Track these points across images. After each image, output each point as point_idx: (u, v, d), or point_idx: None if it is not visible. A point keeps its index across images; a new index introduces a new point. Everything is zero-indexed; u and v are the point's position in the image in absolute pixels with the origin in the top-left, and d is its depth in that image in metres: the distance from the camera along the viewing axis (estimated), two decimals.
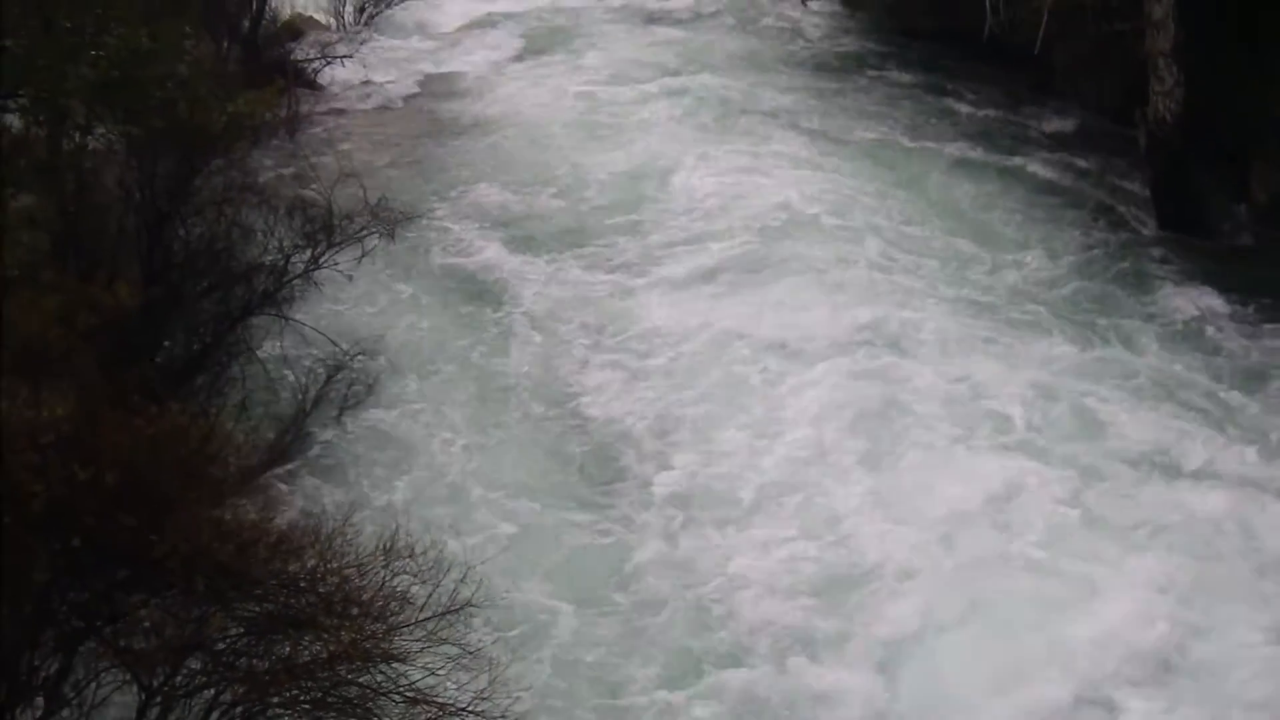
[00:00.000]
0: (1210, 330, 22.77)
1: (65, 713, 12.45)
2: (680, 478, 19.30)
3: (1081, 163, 28.81)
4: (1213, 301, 23.54)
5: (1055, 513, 18.34)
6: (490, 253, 25.43)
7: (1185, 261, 24.72)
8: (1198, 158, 25.63)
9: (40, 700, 12.32)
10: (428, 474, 19.43)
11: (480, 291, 24.22)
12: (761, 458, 19.57)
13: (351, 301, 22.71)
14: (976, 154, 29.26)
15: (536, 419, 20.79)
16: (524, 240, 25.95)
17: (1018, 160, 29.02)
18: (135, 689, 12.54)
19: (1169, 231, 25.69)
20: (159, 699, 12.51)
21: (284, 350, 20.20)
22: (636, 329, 22.79)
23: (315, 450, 19.33)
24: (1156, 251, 25.14)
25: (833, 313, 22.84)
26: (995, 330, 22.68)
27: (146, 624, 12.46)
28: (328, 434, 19.57)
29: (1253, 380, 21.46)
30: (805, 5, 38.74)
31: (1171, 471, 19.33)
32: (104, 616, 12.43)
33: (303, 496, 18.05)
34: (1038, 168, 28.57)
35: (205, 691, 12.56)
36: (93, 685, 12.57)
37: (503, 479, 19.41)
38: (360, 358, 20.33)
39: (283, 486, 18.12)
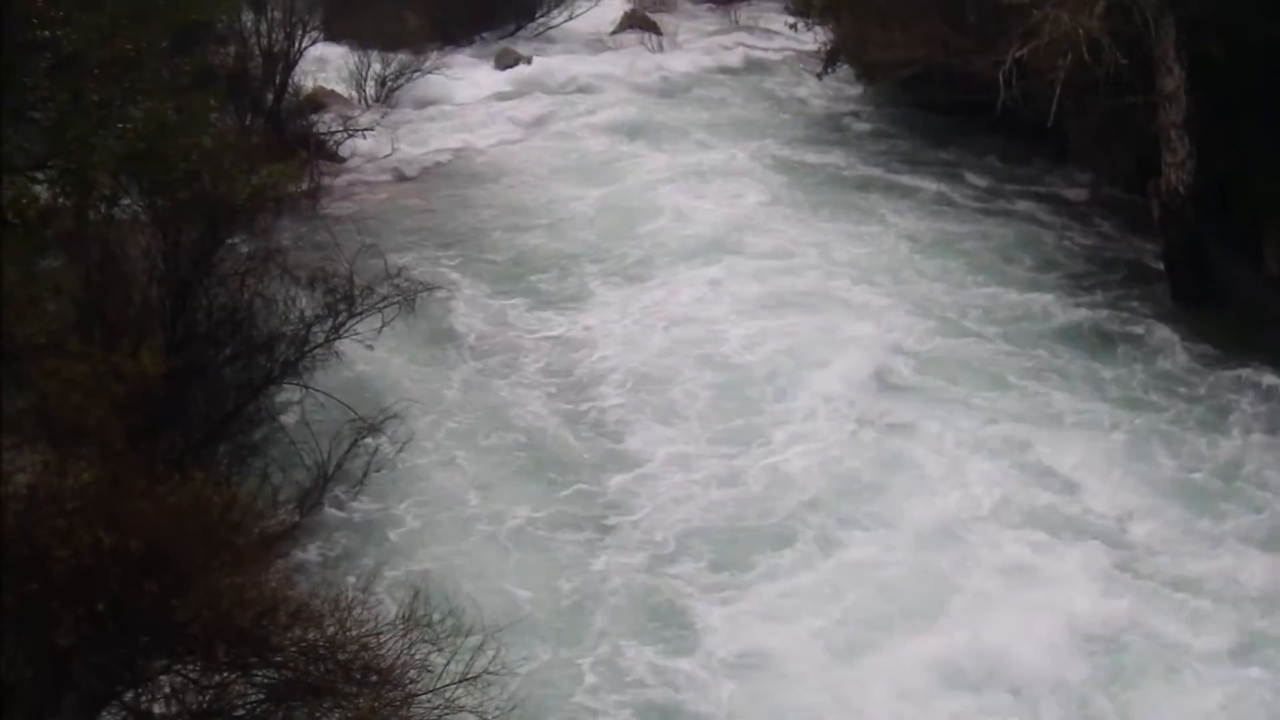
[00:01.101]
0: (1227, 402, 23.01)
1: None
2: None
3: (1096, 234, 29.04)
4: (1224, 369, 23.81)
5: None
6: (508, 316, 26.05)
7: (1200, 332, 24.89)
8: (1210, 229, 25.77)
9: None
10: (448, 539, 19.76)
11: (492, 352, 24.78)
12: None
13: (374, 363, 23.21)
14: (991, 225, 29.56)
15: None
16: (539, 301, 26.53)
17: (1033, 231, 29.29)
18: None
19: (1183, 303, 25.80)
20: None
21: (305, 418, 20.33)
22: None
23: (335, 518, 19.52)
24: (1171, 323, 25.26)
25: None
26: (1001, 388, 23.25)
27: (167, 690, 12.60)
28: (349, 501, 19.77)
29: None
30: (820, 79, 39.01)
31: None
32: (125, 681, 12.55)
33: (323, 564, 18.21)
34: (1053, 239, 28.78)
35: None
36: None
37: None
38: (382, 423, 20.49)
39: (303, 554, 18.27)
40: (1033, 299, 26.37)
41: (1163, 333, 24.86)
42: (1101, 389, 23.41)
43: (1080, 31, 25.02)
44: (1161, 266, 26.72)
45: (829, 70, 38.65)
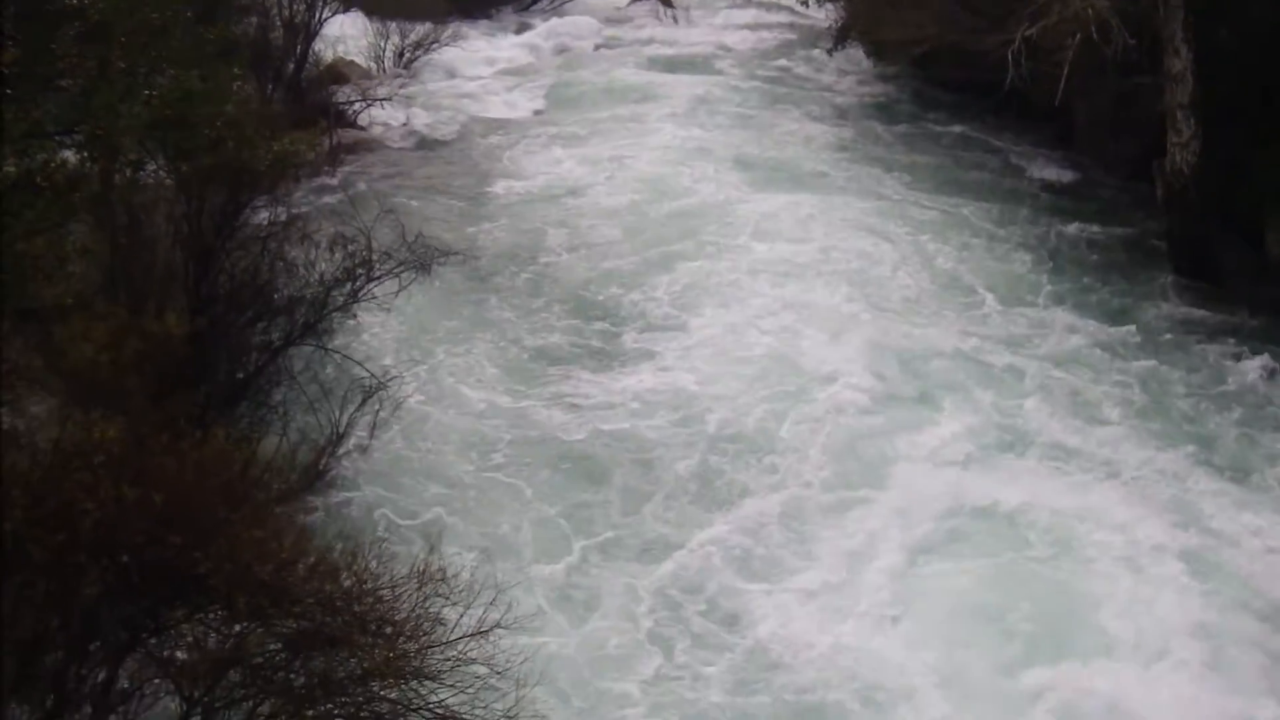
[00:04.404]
0: (1225, 371, 23.54)
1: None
2: None
3: (1100, 213, 29.32)
4: (1216, 343, 24.33)
5: None
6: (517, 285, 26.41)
7: (1197, 309, 25.34)
8: (1213, 209, 26.08)
9: (88, 709, 12.80)
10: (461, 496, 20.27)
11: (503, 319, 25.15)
12: None
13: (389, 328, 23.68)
14: (996, 202, 29.84)
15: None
16: (551, 276, 26.84)
17: (1037, 207, 29.64)
18: (177, 699, 13.05)
19: (1184, 278, 26.16)
20: (199, 710, 13.01)
21: (323, 378, 20.72)
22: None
23: (352, 473, 19.97)
24: (1170, 299, 25.73)
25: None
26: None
27: (189, 638, 13.01)
28: (364, 457, 20.26)
29: None
30: (830, 55, 39.16)
31: None
32: (149, 630, 12.95)
33: (340, 519, 18.62)
34: (1059, 218, 29.04)
35: (243, 704, 13.06)
36: (137, 695, 13.07)
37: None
38: (393, 383, 20.93)
39: (321, 509, 18.70)
40: (1033, 272, 26.91)
41: (1160, 308, 25.36)
42: (1094, 354, 24.02)
43: (1089, 11, 25.32)
44: (1164, 246, 27.08)
45: (839, 47, 38.82)
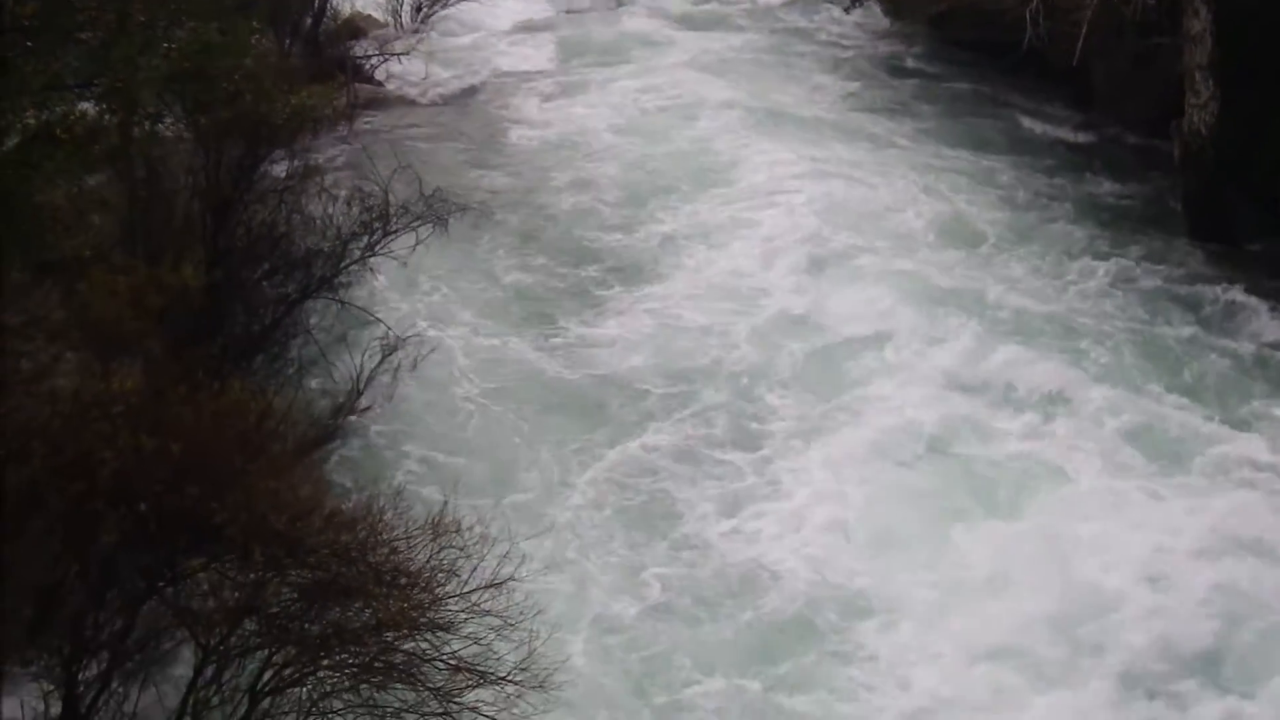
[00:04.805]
0: (1241, 331, 23.60)
1: (127, 667, 13.07)
2: None
3: (1116, 172, 29.22)
4: (1241, 301, 24.28)
5: None
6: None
7: (1211, 270, 25.25)
8: (1231, 170, 25.97)
9: (105, 656, 12.95)
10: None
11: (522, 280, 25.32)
12: None
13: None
14: (1012, 161, 29.75)
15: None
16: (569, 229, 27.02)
17: (1053, 167, 29.55)
18: (193, 647, 13.23)
19: (1199, 239, 26.09)
20: (215, 658, 13.16)
21: (340, 331, 20.84)
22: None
23: (368, 427, 20.11)
24: (1184, 260, 25.60)
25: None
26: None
27: (205, 587, 13.14)
28: (380, 411, 20.35)
29: None
30: (847, 12, 39.02)
31: None
32: (166, 579, 13.10)
33: (355, 471, 18.76)
34: (1074, 176, 29.00)
35: (259, 652, 13.23)
36: (153, 643, 13.25)
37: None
38: (412, 339, 21.07)
39: (336, 461, 18.84)
40: (1041, 224, 26.97)
41: (1173, 266, 25.31)
42: (1099, 305, 24.25)
43: None
44: (1179, 207, 26.97)
45: (857, 4, 38.68)
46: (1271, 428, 20.91)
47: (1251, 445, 20.45)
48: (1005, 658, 16.80)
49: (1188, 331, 23.23)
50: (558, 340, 23.29)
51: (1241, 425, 20.98)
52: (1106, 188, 28.53)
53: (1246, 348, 22.86)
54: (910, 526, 19.01)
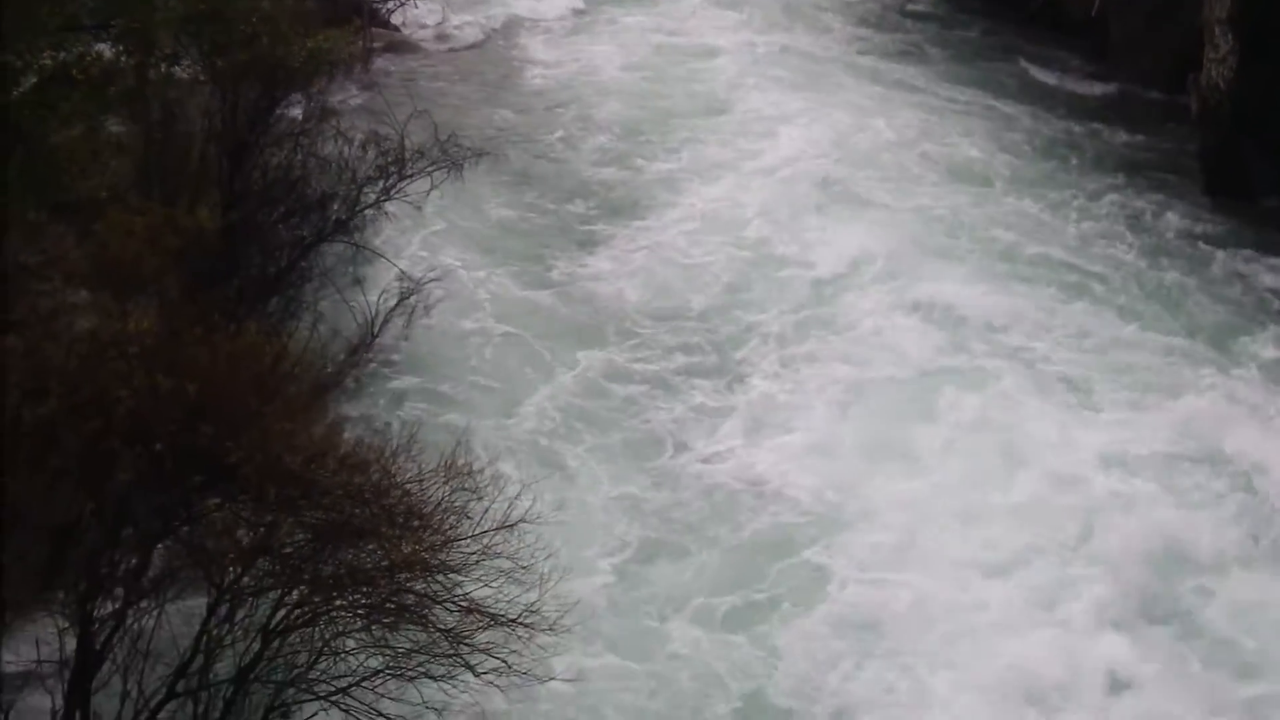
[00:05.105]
0: (1245, 280, 23.73)
1: (142, 605, 13.16)
2: None
3: (1131, 125, 29.22)
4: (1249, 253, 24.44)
5: None
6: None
7: (1224, 222, 25.34)
8: (1248, 126, 25.84)
9: (119, 594, 13.04)
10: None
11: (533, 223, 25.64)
12: None
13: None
14: (1025, 109, 29.88)
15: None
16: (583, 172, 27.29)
17: (1066, 117, 29.59)
18: (207, 586, 13.32)
19: (1215, 193, 26.07)
20: (228, 596, 13.27)
21: (355, 275, 20.91)
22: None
23: (382, 369, 20.20)
24: (1198, 209, 25.72)
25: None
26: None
27: (220, 527, 13.20)
28: (395, 355, 20.51)
29: None
30: None
31: None
32: (181, 518, 13.18)
33: (369, 413, 18.86)
34: (1088, 127, 29.05)
35: (272, 592, 13.34)
36: (168, 581, 13.31)
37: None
38: (428, 284, 21.14)
39: (351, 403, 18.91)
40: (1055, 171, 27.20)
41: (1185, 217, 25.45)
42: (1110, 251, 24.50)
43: None
44: (1196, 160, 26.95)
45: None
46: (1257, 366, 21.50)
47: (1231, 379, 21.13)
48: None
49: (1191, 277, 23.57)
50: (556, 275, 24.05)
51: (1226, 361, 21.56)
52: (1121, 140, 28.55)
53: (1248, 295, 23.16)
54: (889, 438, 19.95)
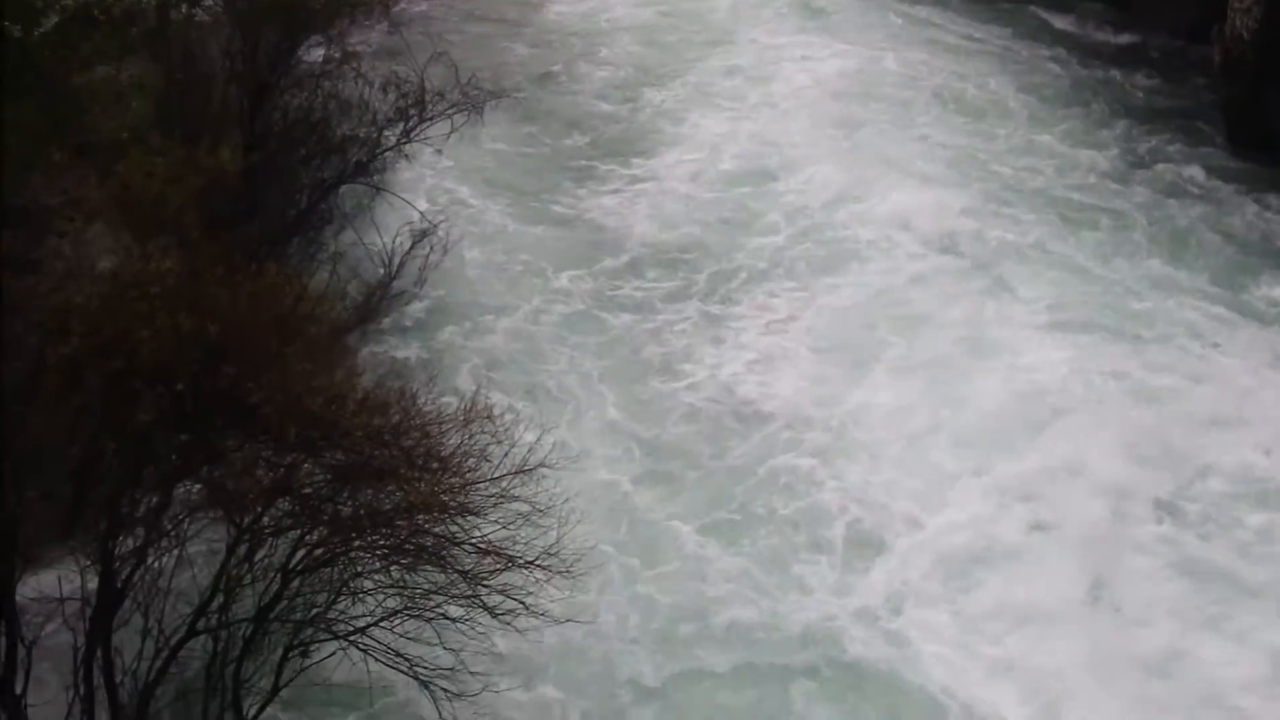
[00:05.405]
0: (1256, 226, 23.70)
1: (163, 544, 13.26)
2: None
3: (1153, 75, 29.04)
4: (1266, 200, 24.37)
5: None
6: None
7: (1247, 172, 25.16)
8: (1272, 77, 25.66)
9: (140, 532, 13.14)
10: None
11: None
12: None
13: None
14: (1045, 54, 29.80)
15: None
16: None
17: (1086, 64, 29.42)
18: (227, 526, 13.43)
19: (1238, 146, 25.88)
20: (248, 536, 13.36)
21: (372, 217, 20.95)
22: None
23: (402, 312, 20.30)
24: (1219, 158, 25.59)
25: None
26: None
27: (240, 467, 13.26)
28: (414, 296, 20.62)
29: None
30: None
31: None
32: (201, 458, 13.23)
33: (389, 355, 18.95)
34: (1108, 74, 28.90)
35: (291, 532, 13.44)
36: (188, 521, 13.43)
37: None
38: (443, 223, 21.20)
39: (371, 345, 19.01)
40: (1074, 121, 27.00)
41: (1205, 166, 25.35)
42: (1122, 190, 24.56)
43: None
44: (1219, 111, 26.78)
45: None
46: (1251, 303, 21.59)
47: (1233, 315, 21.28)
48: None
49: (1200, 220, 23.58)
50: (560, 209, 24.34)
51: (1222, 297, 21.70)
52: (1141, 88, 28.45)
53: (1264, 242, 23.08)
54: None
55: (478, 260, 22.29)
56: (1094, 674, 15.55)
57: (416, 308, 20.62)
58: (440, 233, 21.13)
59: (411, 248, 20.31)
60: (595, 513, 16.76)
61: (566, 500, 14.49)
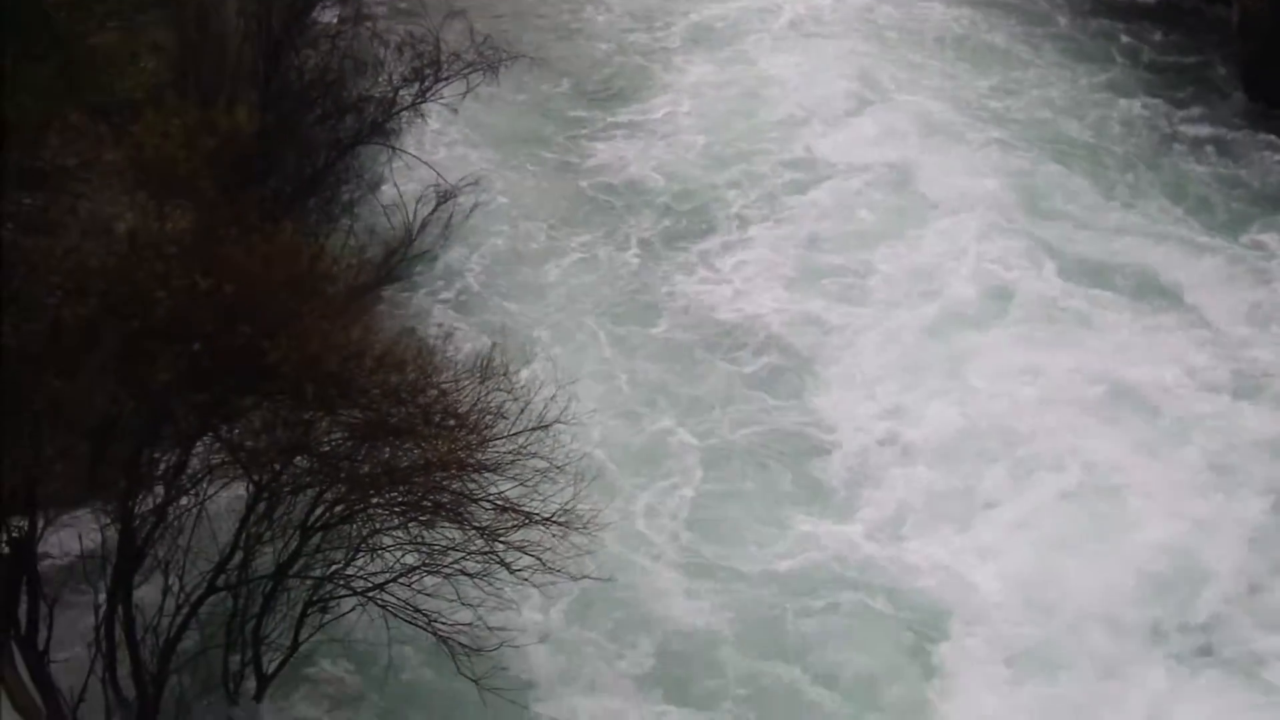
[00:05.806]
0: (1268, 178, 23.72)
1: (182, 502, 13.34)
2: None
3: (1171, 31, 28.87)
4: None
5: None
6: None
7: (1263, 127, 25.10)
8: None
9: (159, 491, 13.22)
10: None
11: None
12: None
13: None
14: (1063, 11, 29.60)
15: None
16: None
17: (1104, 19, 29.25)
18: (246, 484, 13.52)
19: (1257, 102, 25.84)
20: (267, 494, 13.46)
21: (391, 177, 20.96)
22: None
23: (419, 271, 20.31)
24: (1234, 114, 25.59)
25: None
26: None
27: (258, 425, 13.33)
28: (432, 257, 20.66)
29: None
30: None
31: None
32: (220, 417, 13.28)
33: (405, 314, 18.99)
34: (1126, 30, 28.75)
35: (310, 489, 13.53)
36: (207, 479, 13.50)
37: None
38: (465, 186, 21.21)
39: (387, 304, 19.03)
40: (1089, 75, 27.03)
41: (1215, 124, 25.29)
42: (1132, 136, 24.74)
43: None
44: (1235, 70, 26.71)
45: None
46: (1251, 250, 21.74)
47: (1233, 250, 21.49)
48: None
49: (1209, 170, 23.73)
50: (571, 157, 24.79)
51: (1227, 243, 21.83)
52: (1157, 42, 28.30)
53: (1264, 186, 23.20)
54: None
55: (494, 211, 22.50)
56: None
57: (434, 262, 20.74)
58: (459, 192, 21.12)
59: (435, 209, 20.34)
60: None
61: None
